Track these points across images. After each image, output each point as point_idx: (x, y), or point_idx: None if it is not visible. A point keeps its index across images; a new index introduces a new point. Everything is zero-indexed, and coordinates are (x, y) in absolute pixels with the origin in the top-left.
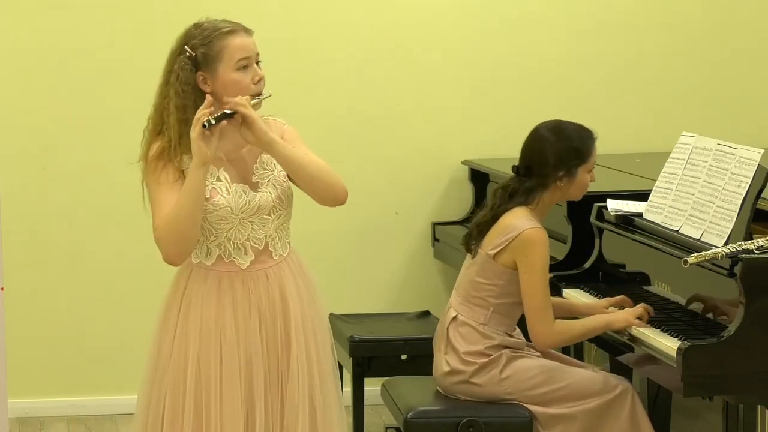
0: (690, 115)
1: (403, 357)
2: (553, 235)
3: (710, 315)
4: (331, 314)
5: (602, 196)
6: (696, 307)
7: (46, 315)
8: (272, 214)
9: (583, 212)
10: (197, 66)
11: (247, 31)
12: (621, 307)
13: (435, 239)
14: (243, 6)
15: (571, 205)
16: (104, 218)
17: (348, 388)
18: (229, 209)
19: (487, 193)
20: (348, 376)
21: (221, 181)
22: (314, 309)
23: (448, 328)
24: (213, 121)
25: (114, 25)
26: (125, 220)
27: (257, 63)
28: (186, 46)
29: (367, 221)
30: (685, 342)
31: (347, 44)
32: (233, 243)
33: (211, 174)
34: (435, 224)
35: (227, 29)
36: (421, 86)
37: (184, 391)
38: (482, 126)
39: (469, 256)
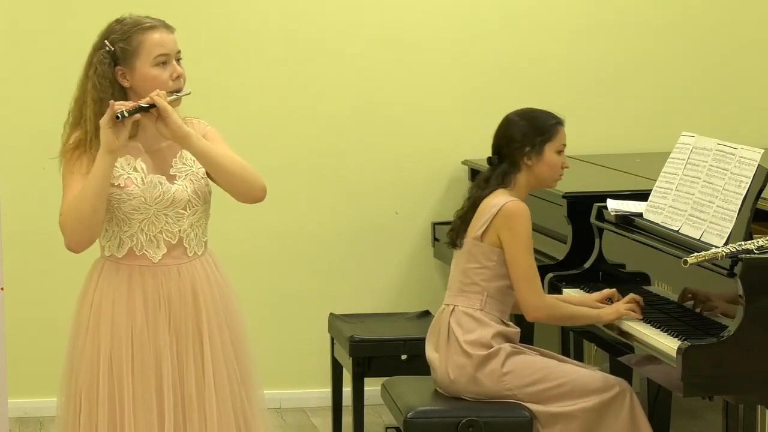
0: (690, 115)
1: (403, 357)
2: (553, 235)
3: (710, 315)
4: (331, 314)
5: (602, 196)
6: (696, 306)
7: (46, 315)
8: (187, 209)
9: (583, 212)
10: (116, 60)
11: (168, 28)
12: (611, 300)
13: (435, 239)
14: (243, 6)
15: (571, 205)
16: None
17: (348, 388)
18: (143, 199)
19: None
20: (348, 376)
21: (137, 171)
22: (227, 305)
23: (448, 321)
24: (126, 114)
25: None
26: None
27: (177, 60)
28: (105, 41)
29: (367, 221)
30: (685, 342)
31: (347, 44)
32: (146, 234)
33: (128, 163)
34: (435, 224)
35: (147, 25)
36: (421, 86)
37: (97, 388)
38: (482, 126)
39: (456, 251)
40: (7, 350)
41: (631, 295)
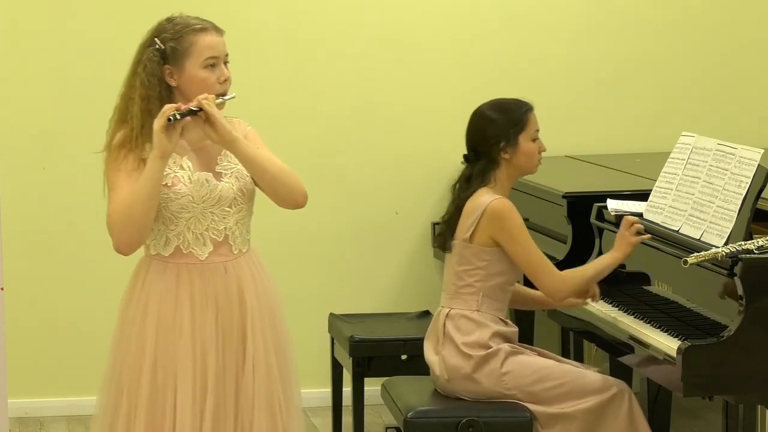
0: (690, 115)
1: (403, 357)
2: (553, 235)
3: (710, 315)
4: (331, 314)
5: (602, 196)
6: (696, 306)
7: (46, 315)
8: (233, 207)
9: (583, 212)
10: (165, 59)
11: (218, 31)
12: None
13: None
14: (243, 6)
15: (571, 205)
16: (104, 217)
17: (348, 388)
18: (191, 197)
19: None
20: (348, 376)
21: (184, 169)
22: (272, 307)
23: (444, 324)
24: (178, 116)
25: (115, 25)
26: None
27: (225, 63)
28: (156, 39)
29: (367, 221)
30: (685, 342)
31: (347, 43)
32: (193, 233)
33: (174, 162)
34: (435, 224)
35: (199, 26)
36: (421, 86)
37: (138, 387)
38: None
39: (447, 255)
40: (7, 350)
41: (627, 218)
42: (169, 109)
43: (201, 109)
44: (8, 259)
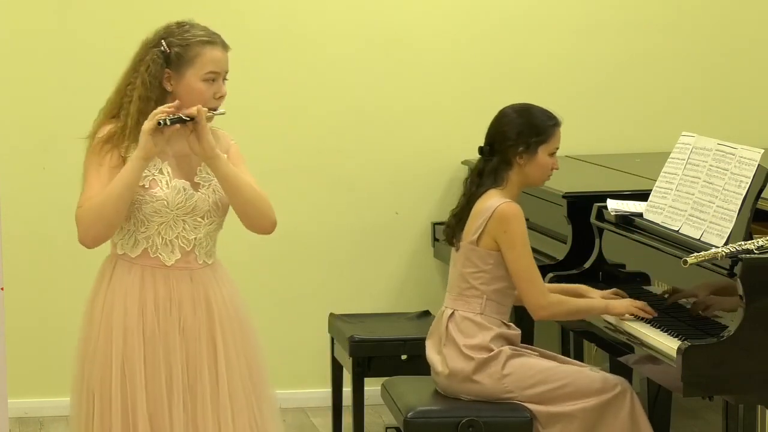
0: (690, 115)
1: (403, 357)
2: (553, 235)
3: (710, 315)
4: (331, 314)
5: (602, 196)
6: (696, 306)
7: (46, 315)
8: (206, 218)
9: (583, 212)
10: (168, 63)
11: (225, 47)
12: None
13: (435, 239)
14: (243, 7)
15: (571, 205)
16: None
17: (348, 388)
18: (165, 203)
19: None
20: (348, 376)
21: (163, 174)
22: (239, 313)
23: (447, 325)
24: (168, 122)
25: (114, 25)
26: None
27: (224, 80)
28: (163, 41)
29: (367, 221)
30: (685, 342)
31: (347, 44)
32: (162, 238)
33: (155, 165)
34: (435, 224)
35: (207, 38)
36: (421, 86)
37: (110, 386)
38: (482, 126)
39: (454, 253)
40: (7, 350)
41: (644, 304)
42: (160, 112)
43: (191, 119)
44: (8, 260)
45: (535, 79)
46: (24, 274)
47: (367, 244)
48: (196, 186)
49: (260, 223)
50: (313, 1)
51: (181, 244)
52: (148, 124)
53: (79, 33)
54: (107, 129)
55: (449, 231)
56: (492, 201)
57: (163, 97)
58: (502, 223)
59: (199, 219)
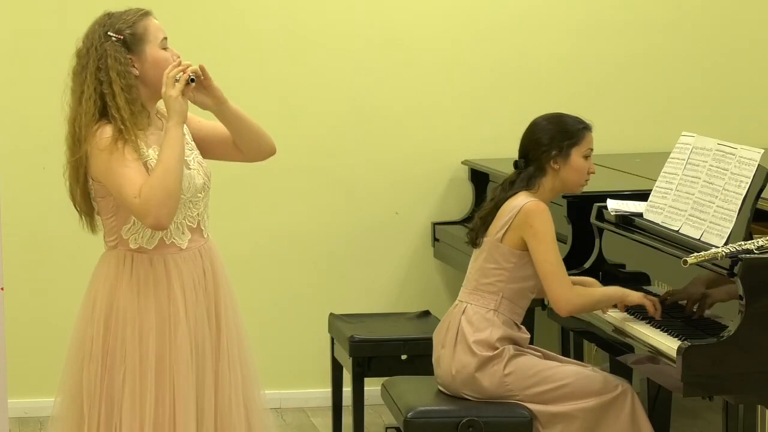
0: (690, 115)
1: (403, 357)
2: None
3: (710, 315)
4: (331, 314)
5: (602, 196)
6: (690, 304)
7: (46, 315)
8: (202, 192)
9: (583, 212)
10: (128, 49)
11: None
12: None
13: (435, 239)
14: (242, 6)
15: (571, 205)
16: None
17: (348, 388)
18: None
19: (487, 192)
20: (348, 376)
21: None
22: (233, 290)
23: (459, 320)
24: (193, 78)
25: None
26: None
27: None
28: (109, 32)
29: (367, 221)
30: (685, 342)
31: (347, 44)
32: (174, 223)
33: (146, 155)
34: (435, 224)
35: (143, 12)
36: (421, 86)
37: (143, 379)
38: (482, 126)
39: (475, 250)
40: (7, 350)
41: (656, 299)
42: (174, 72)
43: (199, 76)
44: (8, 260)
45: (535, 79)
46: (24, 274)
47: (367, 244)
48: (186, 165)
49: (268, 144)
50: (313, 1)
51: (188, 223)
52: (176, 89)
53: (79, 33)
54: (108, 129)
55: (473, 233)
56: (519, 200)
57: (135, 83)
58: (528, 218)
59: (198, 194)
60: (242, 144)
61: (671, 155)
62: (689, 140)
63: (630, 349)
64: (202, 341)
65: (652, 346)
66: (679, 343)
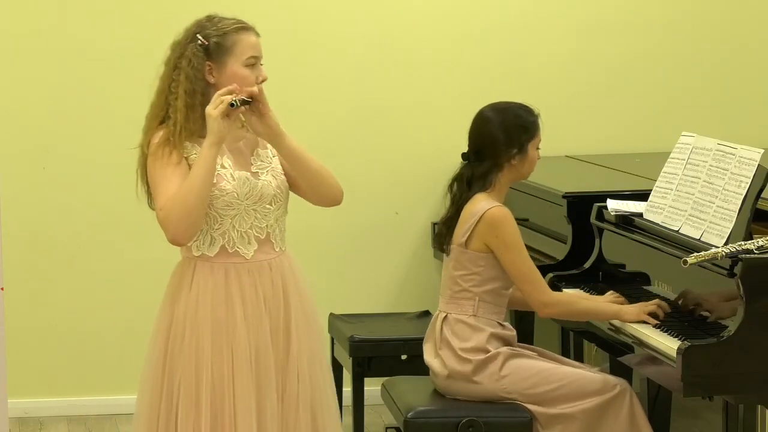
0: (690, 115)
1: (403, 357)
2: (553, 235)
3: (710, 315)
4: (331, 314)
5: (602, 196)
6: (696, 307)
7: (46, 315)
8: (273, 204)
9: (583, 212)
10: (208, 55)
11: (257, 33)
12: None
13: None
14: (242, 7)
15: (571, 205)
16: (104, 218)
17: (348, 388)
18: (235, 194)
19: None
20: (348, 376)
21: (225, 168)
22: (310, 306)
23: (441, 327)
24: (238, 102)
25: (114, 25)
26: (125, 219)
27: (261, 64)
28: (198, 35)
29: (367, 221)
30: (685, 342)
31: (347, 43)
32: (237, 231)
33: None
34: (435, 224)
35: (241, 25)
36: (421, 86)
37: (197, 386)
38: None
39: (445, 258)
40: (7, 350)
41: (657, 302)
42: (224, 94)
43: (253, 100)
44: (8, 260)
45: (535, 79)
46: (24, 274)
47: (367, 244)
48: (255, 175)
49: (330, 192)
50: (314, 1)
51: (256, 234)
52: (217, 109)
53: (79, 33)
54: (161, 133)
55: (440, 239)
56: (480, 205)
57: (206, 89)
58: (492, 228)
59: (268, 205)
60: (301, 184)
61: (671, 155)
62: (689, 140)
63: (630, 349)
64: (264, 353)
65: (652, 346)
66: (679, 343)
